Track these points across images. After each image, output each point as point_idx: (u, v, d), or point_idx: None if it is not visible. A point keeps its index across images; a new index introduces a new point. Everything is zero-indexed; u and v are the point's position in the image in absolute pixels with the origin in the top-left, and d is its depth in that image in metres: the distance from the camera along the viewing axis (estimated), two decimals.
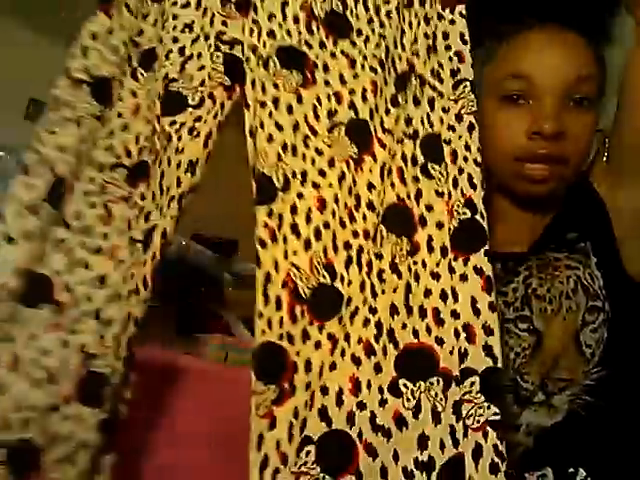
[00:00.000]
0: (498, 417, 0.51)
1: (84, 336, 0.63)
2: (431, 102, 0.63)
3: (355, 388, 0.55)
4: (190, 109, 0.68)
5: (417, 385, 0.54)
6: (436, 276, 0.58)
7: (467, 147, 0.60)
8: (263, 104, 0.64)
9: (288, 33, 0.67)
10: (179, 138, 0.67)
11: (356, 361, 0.56)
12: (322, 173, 0.62)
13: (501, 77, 0.72)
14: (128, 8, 0.74)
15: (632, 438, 0.68)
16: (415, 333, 0.56)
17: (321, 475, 0.52)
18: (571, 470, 0.68)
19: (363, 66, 0.66)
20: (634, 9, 0.66)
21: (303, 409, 0.55)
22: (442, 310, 0.56)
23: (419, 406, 0.54)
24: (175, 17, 0.72)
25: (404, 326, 0.56)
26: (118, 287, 0.66)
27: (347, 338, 0.56)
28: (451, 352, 0.55)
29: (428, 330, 0.56)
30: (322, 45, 0.67)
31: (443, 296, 0.57)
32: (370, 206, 0.61)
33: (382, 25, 0.67)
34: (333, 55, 0.67)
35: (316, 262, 0.59)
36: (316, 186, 0.62)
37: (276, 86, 0.65)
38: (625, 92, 0.68)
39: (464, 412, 0.52)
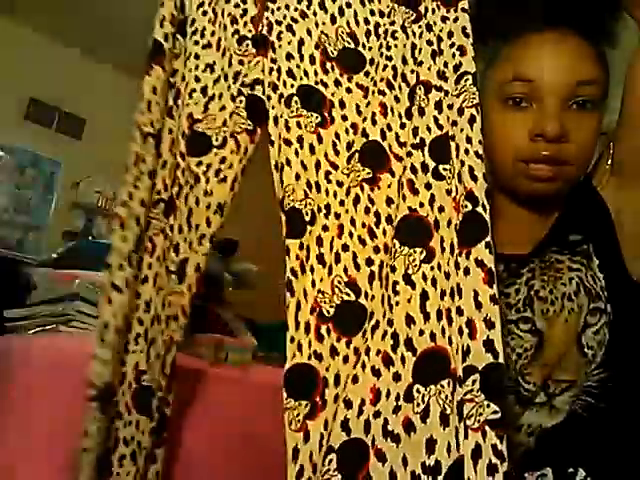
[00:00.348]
0: (497, 416, 0.50)
1: (137, 355, 0.71)
2: (438, 104, 0.63)
3: (375, 398, 0.56)
4: (215, 149, 0.72)
5: (428, 389, 0.54)
6: (448, 275, 0.57)
7: (468, 139, 0.60)
8: (288, 142, 0.67)
9: (305, 73, 0.69)
10: (207, 181, 0.72)
11: (376, 373, 0.57)
12: (342, 203, 0.65)
13: (504, 80, 0.72)
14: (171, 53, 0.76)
15: (632, 439, 0.69)
16: (432, 336, 0.56)
17: None
18: (571, 470, 0.68)
19: (373, 92, 0.67)
20: (633, 10, 0.66)
21: (332, 421, 0.57)
22: (452, 309, 0.56)
23: (427, 410, 0.53)
24: (197, 57, 0.75)
25: (421, 333, 0.57)
26: (158, 311, 0.73)
27: (367, 351, 0.58)
28: (457, 351, 0.54)
29: (443, 332, 0.56)
30: (337, 83, 0.69)
31: (452, 294, 0.56)
32: (389, 220, 0.63)
33: (389, 47, 0.68)
34: (349, 90, 0.69)
35: (337, 282, 0.61)
36: (337, 216, 0.64)
37: (299, 125, 0.67)
38: (628, 94, 0.69)
39: (465, 412, 0.51)
